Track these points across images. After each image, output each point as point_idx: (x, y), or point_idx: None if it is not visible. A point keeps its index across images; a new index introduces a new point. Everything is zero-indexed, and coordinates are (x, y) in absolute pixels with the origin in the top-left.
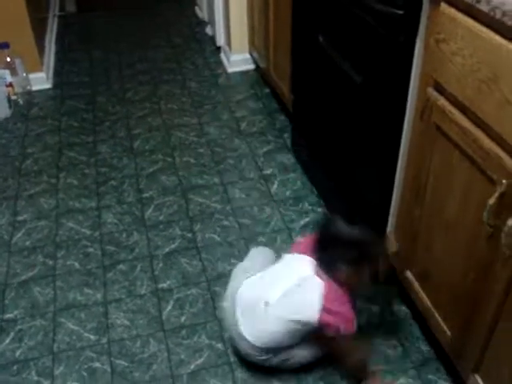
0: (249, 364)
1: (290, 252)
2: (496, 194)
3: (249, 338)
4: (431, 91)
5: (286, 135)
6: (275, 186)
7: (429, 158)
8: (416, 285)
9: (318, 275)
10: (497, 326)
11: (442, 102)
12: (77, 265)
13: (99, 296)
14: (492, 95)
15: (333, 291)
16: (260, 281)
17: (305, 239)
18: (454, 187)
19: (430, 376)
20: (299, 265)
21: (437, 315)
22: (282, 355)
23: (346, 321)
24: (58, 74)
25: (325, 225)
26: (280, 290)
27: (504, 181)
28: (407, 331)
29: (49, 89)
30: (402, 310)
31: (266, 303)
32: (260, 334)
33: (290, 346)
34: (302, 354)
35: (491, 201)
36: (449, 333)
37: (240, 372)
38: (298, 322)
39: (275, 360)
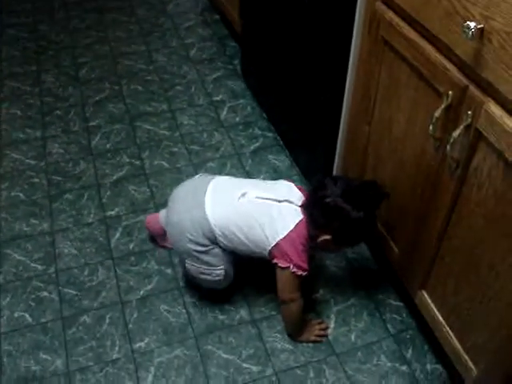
0: (198, 288)
1: None
2: (442, 106)
3: (209, 216)
4: (379, 5)
5: (236, 62)
6: (225, 112)
7: (377, 74)
8: None
9: (302, 210)
10: (443, 241)
11: (390, 14)
12: (22, 196)
13: (46, 226)
14: (440, 4)
15: (302, 231)
16: (243, 180)
17: None
18: (402, 102)
19: (379, 296)
20: (291, 191)
21: (385, 233)
22: (218, 259)
23: (294, 263)
24: None
25: (320, 188)
26: (262, 193)
27: (450, 92)
28: (357, 252)
29: None
30: None
31: (243, 194)
32: (222, 215)
33: (228, 260)
34: (230, 273)
35: (437, 113)
36: (397, 250)
37: (189, 296)
38: (255, 235)
39: (207, 258)
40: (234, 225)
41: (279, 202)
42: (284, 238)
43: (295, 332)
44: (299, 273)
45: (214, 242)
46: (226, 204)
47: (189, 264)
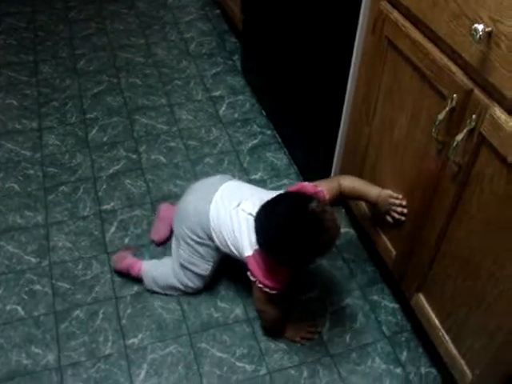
0: None
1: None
2: (446, 109)
3: (210, 213)
4: (385, 4)
5: (235, 57)
6: (223, 107)
7: (379, 75)
8: (363, 205)
9: None
10: (442, 244)
11: (395, 15)
12: (16, 187)
13: (40, 218)
14: (447, 6)
15: None
16: (249, 188)
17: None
18: (404, 104)
19: (374, 297)
20: None
21: (383, 235)
22: (210, 255)
23: (260, 281)
24: None
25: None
26: (249, 206)
27: (455, 95)
28: (354, 253)
29: None
30: (349, 232)
31: (238, 204)
32: (219, 217)
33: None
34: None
35: (441, 116)
36: (394, 252)
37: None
38: (236, 243)
39: (201, 249)
40: (224, 229)
41: None
42: (250, 255)
43: (271, 334)
44: (265, 289)
45: (210, 237)
46: (225, 208)
47: (182, 250)
